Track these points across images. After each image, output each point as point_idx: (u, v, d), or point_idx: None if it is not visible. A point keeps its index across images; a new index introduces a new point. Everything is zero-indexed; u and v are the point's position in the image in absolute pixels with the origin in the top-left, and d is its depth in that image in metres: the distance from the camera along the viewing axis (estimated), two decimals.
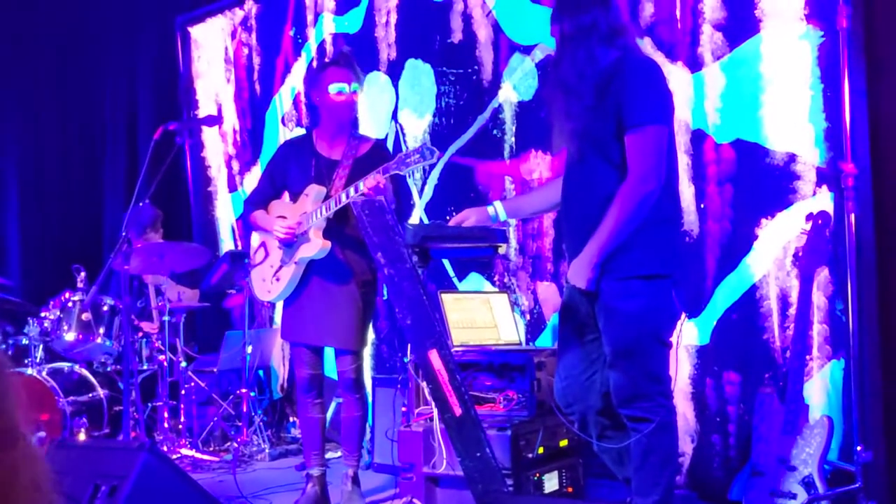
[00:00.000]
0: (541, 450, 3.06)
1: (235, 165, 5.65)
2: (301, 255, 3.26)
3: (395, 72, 4.59)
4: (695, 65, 3.44)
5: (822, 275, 3.07)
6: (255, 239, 3.50)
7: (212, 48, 5.78)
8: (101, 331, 4.46)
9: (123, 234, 3.71)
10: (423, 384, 3.02)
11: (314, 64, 5.02)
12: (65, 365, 4.54)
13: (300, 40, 5.16)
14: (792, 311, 3.12)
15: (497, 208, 2.78)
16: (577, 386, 2.63)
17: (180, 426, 4.59)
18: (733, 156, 3.34)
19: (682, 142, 3.39)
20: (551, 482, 3.12)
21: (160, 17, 6.04)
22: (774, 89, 3.22)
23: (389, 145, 4.37)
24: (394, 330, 4.42)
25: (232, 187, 5.67)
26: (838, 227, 2.99)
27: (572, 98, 2.47)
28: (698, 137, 3.43)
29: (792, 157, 3.17)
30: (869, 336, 2.95)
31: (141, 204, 3.75)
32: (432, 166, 4.25)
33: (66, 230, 6.34)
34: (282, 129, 5.28)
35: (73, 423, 4.25)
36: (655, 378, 2.48)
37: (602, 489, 3.32)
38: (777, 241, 3.21)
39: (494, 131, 4.16)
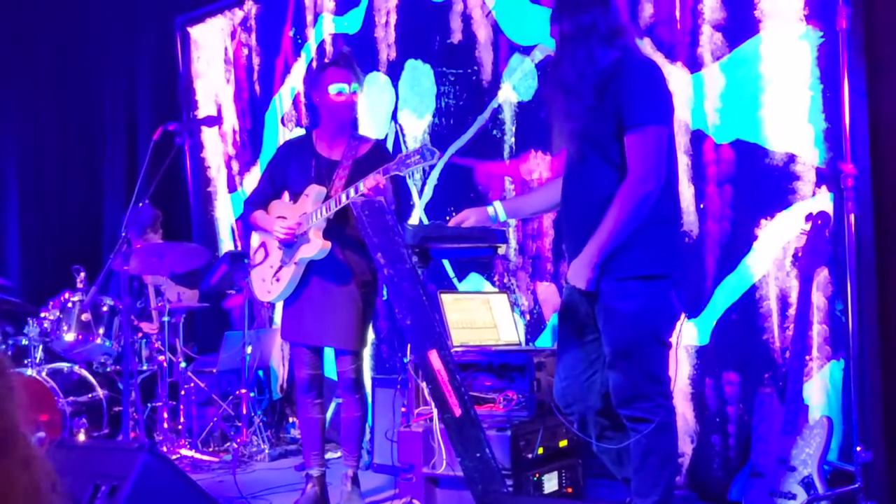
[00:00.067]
0: (540, 450, 3.06)
1: (235, 166, 5.65)
2: (301, 255, 3.26)
3: (394, 72, 4.59)
4: (694, 65, 3.44)
5: (822, 275, 3.07)
6: (255, 239, 3.50)
7: (211, 48, 5.78)
8: (101, 331, 4.46)
9: (123, 234, 3.71)
10: (423, 384, 3.02)
11: (314, 64, 5.02)
12: (64, 365, 4.53)
13: (300, 41, 5.16)
14: (791, 311, 3.12)
15: (497, 208, 2.78)
16: (576, 386, 2.63)
17: (180, 427, 4.58)
18: (733, 156, 3.34)
19: (681, 142, 3.39)
20: (551, 482, 3.12)
21: (160, 18, 6.04)
22: (774, 90, 3.22)
23: (389, 146, 4.37)
24: (393, 330, 4.42)
25: (231, 188, 5.67)
26: (838, 227, 2.99)
27: (572, 98, 2.47)
28: (698, 138, 3.43)
29: (791, 158, 3.17)
30: (869, 336, 2.95)
31: (140, 204, 3.75)
32: (432, 167, 4.25)
33: (65, 230, 6.34)
34: (281, 130, 5.28)
35: (72, 424, 4.24)
36: (655, 378, 2.48)
37: (602, 489, 3.32)
38: (777, 242, 3.21)
39: (494, 132, 4.16)
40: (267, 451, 4.52)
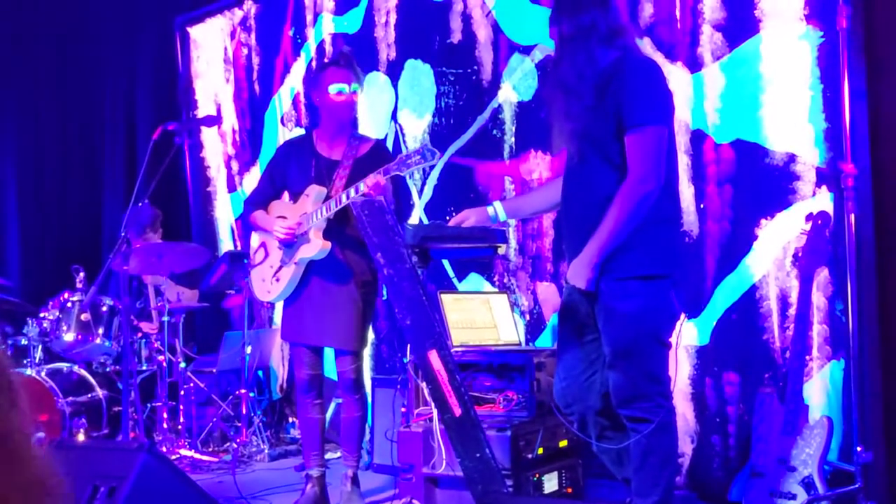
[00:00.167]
0: (540, 450, 3.06)
1: (235, 166, 5.64)
2: (301, 255, 3.26)
3: (394, 72, 4.59)
4: (694, 65, 3.44)
5: (822, 275, 3.06)
6: (255, 239, 3.50)
7: (211, 48, 5.77)
8: (101, 331, 4.45)
9: (122, 234, 3.71)
10: (423, 385, 3.02)
11: (314, 64, 5.02)
12: (64, 365, 4.53)
13: (299, 40, 5.16)
14: (792, 311, 3.12)
15: (497, 208, 2.78)
16: (576, 386, 2.63)
17: (179, 427, 4.58)
18: (733, 156, 3.34)
19: (681, 142, 3.39)
20: (551, 483, 3.12)
21: (159, 18, 6.04)
22: (774, 89, 3.22)
23: (389, 146, 4.37)
24: (393, 330, 4.41)
25: (231, 187, 5.67)
26: (838, 227, 2.98)
27: (572, 98, 2.47)
28: (698, 137, 3.43)
29: (792, 158, 3.17)
30: (869, 336, 2.94)
31: (140, 204, 3.75)
32: (432, 167, 4.25)
33: (65, 230, 6.33)
34: (281, 130, 5.28)
35: (72, 424, 4.24)
36: (655, 378, 2.48)
37: (602, 489, 3.32)
38: (777, 242, 3.21)
39: (494, 131, 4.16)
40: (266, 451, 4.51)
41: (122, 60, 6.29)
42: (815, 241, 2.96)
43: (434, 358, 2.54)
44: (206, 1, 5.72)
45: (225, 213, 5.72)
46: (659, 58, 3.44)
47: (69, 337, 4.42)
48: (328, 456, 3.71)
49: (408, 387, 3.40)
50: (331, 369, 3.62)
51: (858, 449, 2.83)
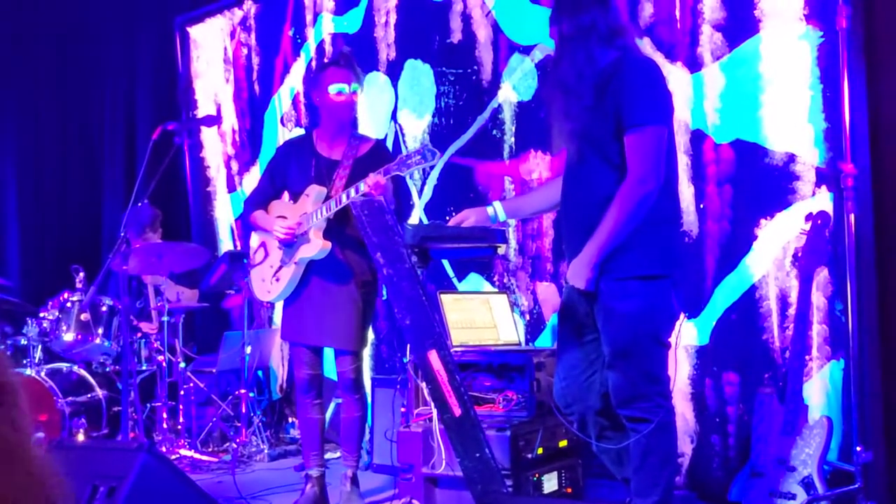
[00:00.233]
0: (540, 450, 3.05)
1: (234, 166, 5.64)
2: (301, 255, 3.25)
3: (394, 72, 4.59)
4: (694, 65, 3.44)
5: (822, 275, 3.06)
6: (255, 239, 3.50)
7: (211, 48, 5.77)
8: (100, 331, 4.45)
9: (122, 234, 3.71)
10: (423, 385, 3.02)
11: (314, 64, 5.02)
12: (63, 365, 4.53)
13: (299, 40, 5.15)
14: (791, 311, 3.12)
15: (496, 208, 2.78)
16: (576, 386, 2.63)
17: (179, 427, 4.58)
18: (733, 156, 3.34)
19: (681, 142, 3.39)
20: (550, 483, 3.12)
21: (159, 18, 6.03)
22: (774, 89, 3.22)
23: (389, 146, 4.36)
24: (393, 330, 4.41)
25: (231, 187, 5.67)
26: (838, 227, 2.98)
27: (571, 98, 2.47)
28: (698, 137, 3.43)
29: (791, 158, 3.17)
30: (869, 336, 2.94)
31: (140, 204, 3.75)
32: (432, 167, 4.25)
33: (64, 230, 6.33)
34: (281, 130, 5.28)
35: (71, 424, 4.24)
36: (654, 378, 2.48)
37: (601, 489, 3.32)
38: (776, 242, 3.21)
39: (494, 131, 4.16)
40: (266, 451, 4.51)
41: (121, 60, 6.29)
42: (815, 240, 2.96)
43: (434, 358, 2.54)
44: (206, 1, 5.72)
45: (225, 213, 5.72)
46: (659, 58, 3.44)
47: (69, 337, 4.42)
48: (328, 456, 3.71)
49: (407, 387, 3.40)
50: (331, 369, 3.62)
51: (858, 449, 2.83)
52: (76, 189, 6.43)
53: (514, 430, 2.99)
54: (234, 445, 4.43)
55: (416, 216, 4.43)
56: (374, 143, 3.42)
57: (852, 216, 2.94)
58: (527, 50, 4.01)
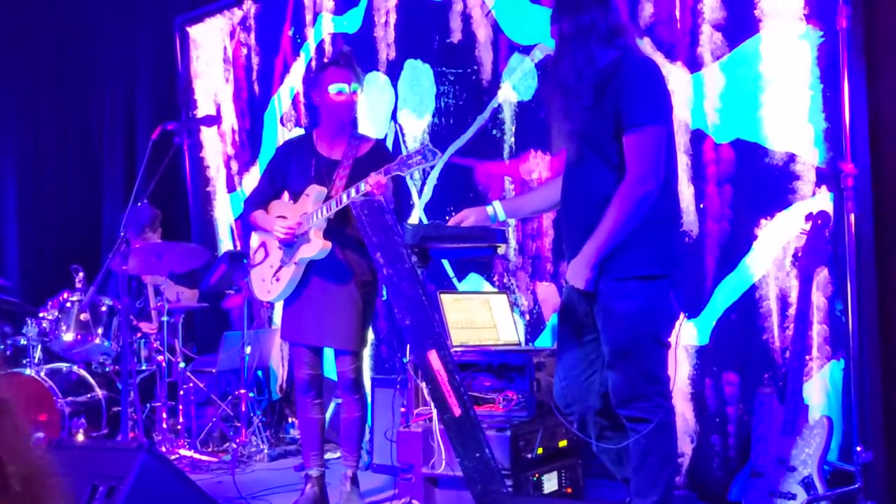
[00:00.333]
0: (540, 450, 3.05)
1: (234, 165, 5.64)
2: (301, 255, 3.25)
3: (394, 72, 4.59)
4: (694, 65, 3.44)
5: (822, 275, 3.06)
6: (255, 239, 3.50)
7: (210, 48, 5.77)
8: (100, 331, 4.45)
9: (122, 234, 3.71)
10: (423, 385, 3.02)
11: (314, 64, 5.02)
12: (63, 365, 4.53)
13: (299, 40, 5.15)
14: (791, 311, 3.12)
15: (496, 208, 2.77)
16: (576, 386, 2.63)
17: (179, 427, 4.58)
18: (733, 156, 3.34)
19: (681, 142, 3.38)
20: (550, 483, 3.11)
21: (159, 17, 6.03)
22: (774, 89, 3.22)
23: (389, 145, 4.36)
24: (393, 330, 4.41)
25: (231, 187, 5.67)
26: (838, 227, 2.98)
27: (571, 98, 2.46)
28: (698, 137, 3.43)
29: (791, 158, 3.17)
30: (869, 336, 2.94)
31: (139, 204, 3.75)
32: (432, 167, 4.25)
33: (64, 230, 6.33)
34: (280, 130, 5.28)
35: (71, 424, 4.23)
36: (654, 378, 2.48)
37: (601, 489, 3.31)
38: (776, 242, 3.21)
39: (494, 131, 4.16)
40: (266, 451, 4.51)
41: (121, 60, 6.29)
42: (815, 240, 2.96)
43: (434, 358, 2.53)
44: (206, 1, 5.72)
45: (224, 213, 5.72)
46: (659, 58, 3.44)
47: (68, 337, 4.42)
48: (328, 456, 3.71)
49: (407, 387, 3.40)
50: (330, 369, 3.62)
51: (858, 449, 2.83)
52: (76, 189, 6.43)
53: (514, 430, 2.99)
54: (234, 445, 4.43)
55: (416, 216, 4.42)
56: (374, 143, 3.42)
57: (852, 216, 2.94)
58: (527, 50, 4.01)
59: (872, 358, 2.94)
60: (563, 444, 3.19)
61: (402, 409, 3.43)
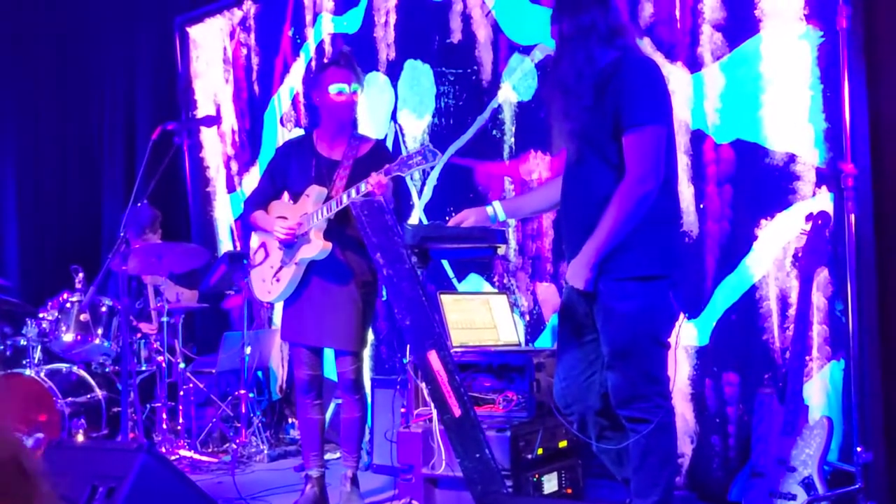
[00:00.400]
0: (540, 451, 3.05)
1: (234, 166, 5.64)
2: (301, 255, 3.25)
3: (394, 72, 4.59)
4: (694, 65, 3.44)
5: (822, 275, 3.06)
6: (255, 239, 3.49)
7: (210, 48, 5.77)
8: (100, 332, 4.45)
9: (122, 234, 3.71)
10: (423, 385, 3.02)
11: (314, 64, 5.02)
12: (63, 366, 4.52)
13: (299, 40, 5.15)
14: (791, 311, 3.12)
15: (496, 208, 2.77)
16: (576, 387, 2.63)
17: (179, 427, 4.58)
18: (733, 156, 3.34)
19: (681, 142, 3.38)
20: (550, 483, 3.11)
21: (159, 18, 6.03)
22: (774, 89, 3.22)
23: (389, 146, 4.36)
24: (393, 331, 4.41)
25: (230, 188, 5.67)
26: (838, 227, 2.98)
27: (571, 98, 2.46)
28: (698, 137, 3.43)
29: (792, 158, 3.17)
30: (869, 336, 2.94)
31: (139, 204, 3.75)
32: (432, 167, 4.24)
33: (64, 231, 6.33)
34: (280, 130, 5.28)
35: (71, 424, 4.23)
36: (653, 379, 2.48)
37: (601, 490, 3.31)
38: (777, 242, 3.21)
39: (494, 132, 4.16)
40: (266, 451, 4.51)
41: (121, 60, 6.29)
42: (815, 241, 2.96)
43: (433, 358, 2.53)
44: (206, 1, 5.72)
45: (224, 213, 5.72)
46: (659, 58, 3.44)
47: (68, 337, 4.41)
48: (328, 456, 3.71)
49: (407, 387, 3.40)
50: (331, 370, 3.62)
51: (858, 449, 2.83)
52: (76, 189, 6.43)
53: (514, 430, 2.99)
54: (234, 446, 4.42)
55: (416, 216, 4.42)
56: (374, 144, 3.42)
57: (852, 216, 2.94)
58: (527, 50, 4.01)
59: (872, 358, 2.94)
60: (563, 444, 3.19)
61: (402, 410, 3.43)
